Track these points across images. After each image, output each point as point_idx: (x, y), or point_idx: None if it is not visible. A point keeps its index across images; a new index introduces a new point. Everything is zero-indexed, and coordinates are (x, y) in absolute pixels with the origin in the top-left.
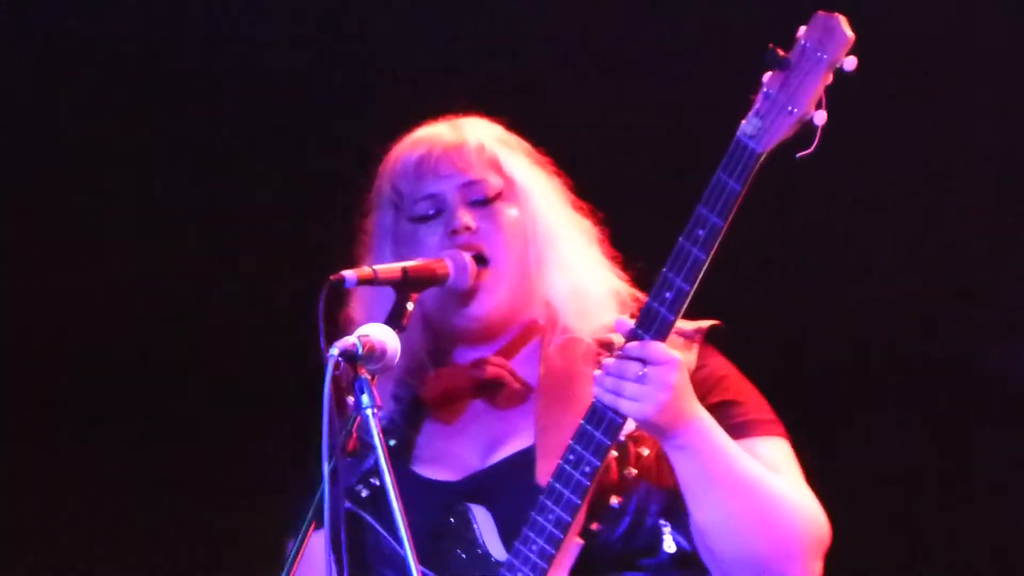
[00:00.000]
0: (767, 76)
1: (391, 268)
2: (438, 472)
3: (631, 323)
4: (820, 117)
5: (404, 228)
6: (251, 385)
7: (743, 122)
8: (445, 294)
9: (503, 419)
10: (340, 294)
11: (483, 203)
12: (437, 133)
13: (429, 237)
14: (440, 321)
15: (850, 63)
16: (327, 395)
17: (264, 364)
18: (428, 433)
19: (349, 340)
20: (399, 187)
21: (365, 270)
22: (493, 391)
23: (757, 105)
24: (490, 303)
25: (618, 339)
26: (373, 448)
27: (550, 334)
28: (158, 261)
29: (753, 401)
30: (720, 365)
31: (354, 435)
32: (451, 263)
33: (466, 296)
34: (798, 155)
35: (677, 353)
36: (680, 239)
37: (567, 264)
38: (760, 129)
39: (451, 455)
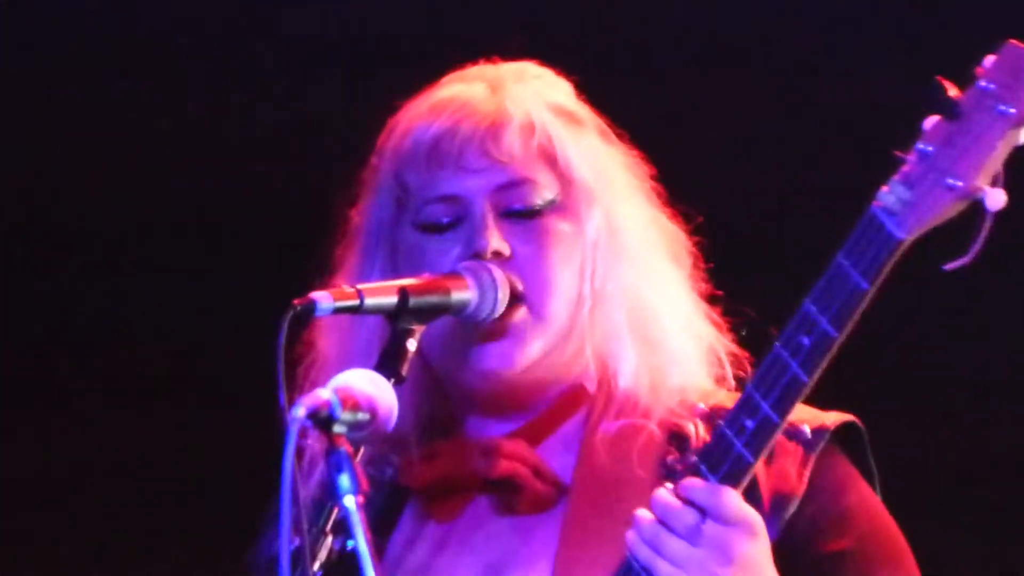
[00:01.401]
0: (928, 124)
1: (383, 288)
2: None
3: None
4: (995, 199)
5: (406, 236)
6: None
7: (883, 189)
8: (459, 328)
9: (519, 531)
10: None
11: (525, 215)
12: (468, 98)
13: (440, 256)
14: (446, 369)
15: None
16: (288, 475)
17: None
18: (408, 536)
19: (321, 395)
20: (404, 177)
21: (346, 291)
22: (505, 492)
23: (907, 167)
24: (517, 356)
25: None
26: (356, 555)
27: (599, 409)
28: None
29: (885, 550)
30: (844, 489)
31: (329, 536)
32: (473, 281)
33: (488, 335)
34: (947, 266)
35: (754, 513)
36: (776, 344)
37: (643, 310)
38: (906, 204)
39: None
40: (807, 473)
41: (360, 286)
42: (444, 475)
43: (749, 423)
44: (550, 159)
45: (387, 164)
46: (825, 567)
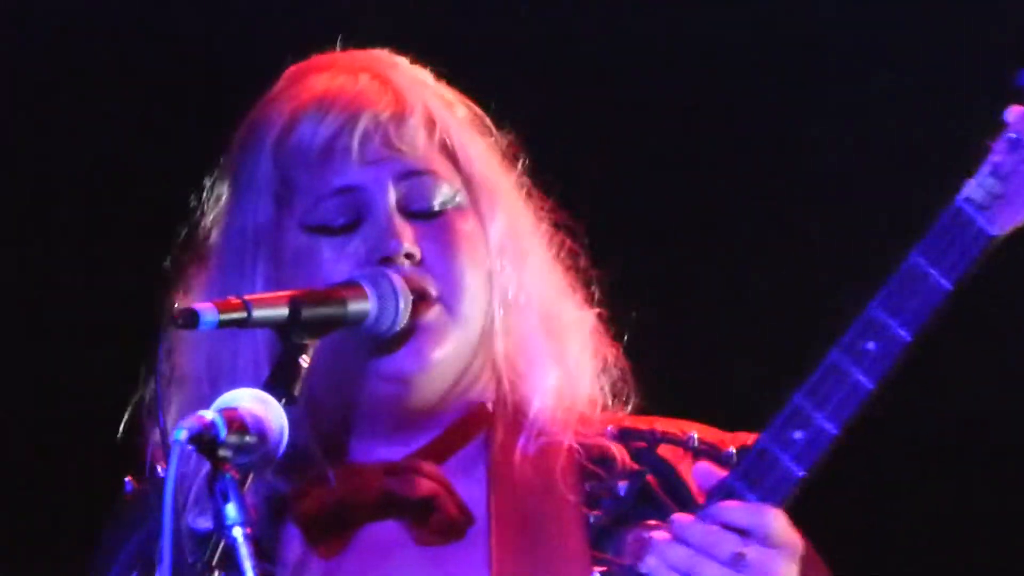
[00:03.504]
0: (1014, 113)
1: (273, 299)
2: None
3: (717, 471)
4: None
5: (293, 240)
6: None
7: (968, 182)
8: (357, 341)
9: (436, 562)
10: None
11: (429, 215)
12: (360, 89)
13: (336, 261)
14: (342, 384)
15: None
16: (168, 505)
17: None
18: (296, 571)
19: (205, 416)
20: (290, 174)
21: (231, 302)
22: (418, 517)
23: (995, 157)
24: (432, 356)
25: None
26: None
27: (504, 430)
28: None
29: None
30: None
31: (215, 572)
32: (372, 291)
33: (395, 341)
34: None
35: (797, 535)
36: (833, 349)
37: (554, 322)
38: (996, 197)
39: None
40: None
41: (247, 297)
42: (339, 502)
43: (799, 435)
44: (451, 155)
45: (265, 162)
46: None
